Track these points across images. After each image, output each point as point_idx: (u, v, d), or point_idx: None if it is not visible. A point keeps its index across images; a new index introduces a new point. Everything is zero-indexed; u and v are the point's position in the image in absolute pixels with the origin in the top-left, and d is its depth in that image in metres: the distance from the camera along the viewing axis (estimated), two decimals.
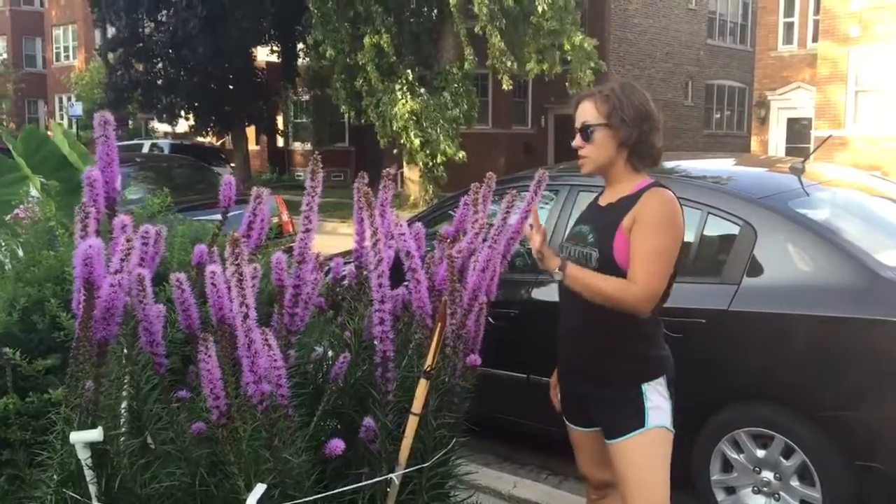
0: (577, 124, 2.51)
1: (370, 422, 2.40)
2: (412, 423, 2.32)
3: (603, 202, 2.57)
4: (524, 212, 2.70)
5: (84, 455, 1.94)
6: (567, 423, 2.75)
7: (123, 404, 2.17)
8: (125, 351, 2.12)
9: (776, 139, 22.89)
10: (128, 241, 1.88)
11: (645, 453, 2.46)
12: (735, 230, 3.70)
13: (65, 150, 3.67)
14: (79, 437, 1.92)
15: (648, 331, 2.52)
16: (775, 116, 22.94)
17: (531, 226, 2.51)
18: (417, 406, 2.32)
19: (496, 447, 4.72)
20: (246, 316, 1.91)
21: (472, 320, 2.52)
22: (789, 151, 21.84)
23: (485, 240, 2.62)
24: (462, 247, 2.66)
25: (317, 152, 2.47)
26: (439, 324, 2.35)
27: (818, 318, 3.40)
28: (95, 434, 1.91)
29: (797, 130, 22.34)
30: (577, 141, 2.51)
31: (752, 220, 3.65)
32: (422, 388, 2.33)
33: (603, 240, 2.45)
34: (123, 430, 2.07)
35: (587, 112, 2.48)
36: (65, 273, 2.71)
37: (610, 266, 2.41)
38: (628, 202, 2.45)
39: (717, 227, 3.81)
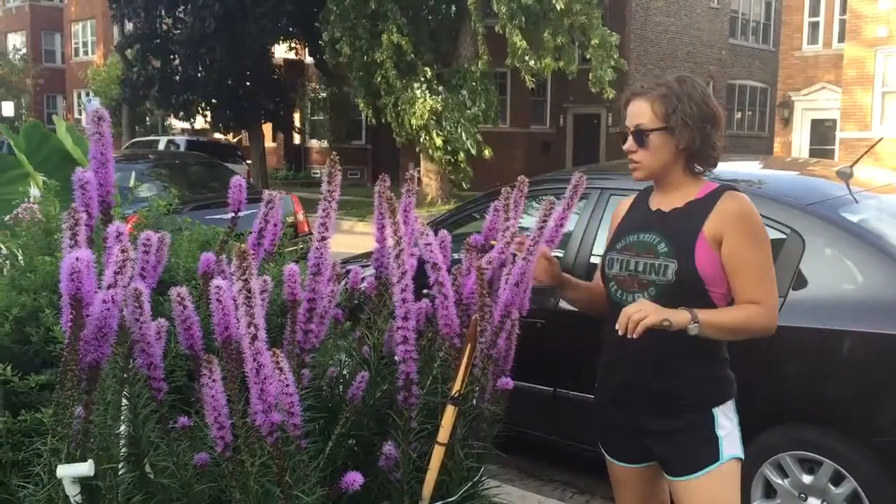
0: (630, 125, 2.23)
1: (391, 449, 2.19)
2: (437, 454, 2.10)
3: (665, 207, 2.26)
4: (559, 219, 2.47)
5: (72, 491, 1.73)
6: (611, 459, 2.41)
7: (122, 428, 1.97)
8: (122, 373, 1.91)
9: (800, 140, 22.48)
10: (123, 251, 1.67)
11: (721, 490, 2.19)
12: (781, 239, 3.45)
13: (68, 147, 3.47)
14: (66, 472, 1.71)
15: (723, 350, 2.27)
16: (799, 117, 22.52)
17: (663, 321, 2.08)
18: (444, 435, 2.09)
19: (518, 461, 4.49)
20: (254, 338, 1.69)
21: (504, 339, 2.30)
22: (813, 153, 21.45)
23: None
24: (492, 257, 2.44)
25: (335, 153, 2.25)
26: (469, 344, 2.12)
27: (874, 336, 3.15)
28: (85, 468, 1.70)
29: (821, 132, 21.92)
30: (629, 145, 2.22)
31: (799, 228, 3.40)
32: (449, 415, 2.10)
33: (681, 250, 2.16)
34: (119, 461, 1.86)
35: (642, 113, 2.19)
36: None
37: (691, 279, 2.14)
38: (700, 207, 2.18)
39: None
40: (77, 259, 1.55)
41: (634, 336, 2.00)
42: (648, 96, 2.19)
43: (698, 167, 2.25)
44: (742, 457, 2.26)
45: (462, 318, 2.34)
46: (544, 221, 2.24)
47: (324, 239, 2.10)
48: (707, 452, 2.19)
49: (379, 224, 2.43)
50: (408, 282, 2.10)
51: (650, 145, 2.19)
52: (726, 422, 2.23)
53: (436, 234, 2.32)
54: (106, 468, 1.78)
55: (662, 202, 2.28)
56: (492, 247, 2.56)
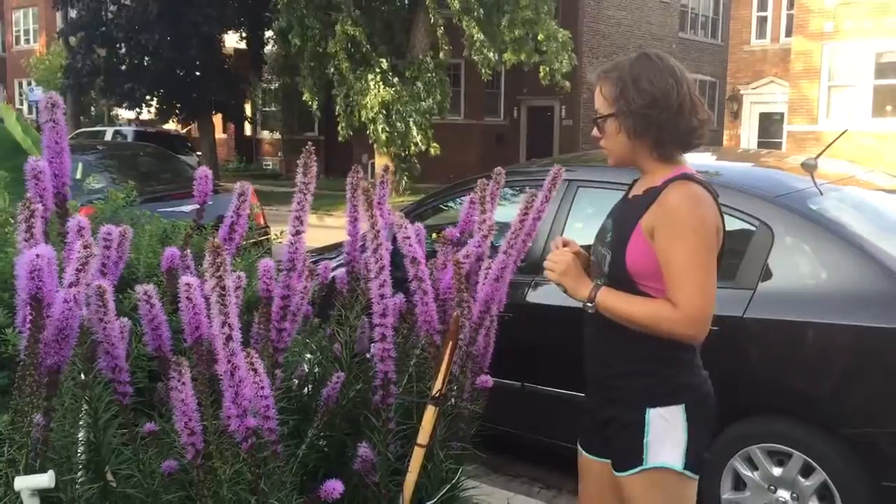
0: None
1: (367, 451, 2.10)
2: (417, 456, 2.02)
3: (631, 193, 2.15)
4: (537, 212, 2.41)
5: None
6: (579, 449, 2.30)
7: (81, 434, 1.85)
8: (81, 375, 1.79)
9: (748, 133, 22.86)
10: (85, 247, 1.55)
11: (646, 498, 2.02)
12: (750, 231, 3.44)
13: (17, 137, 3.30)
14: (25, 484, 1.59)
15: (679, 351, 2.04)
16: (748, 111, 22.90)
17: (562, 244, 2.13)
18: (424, 437, 2.01)
19: (486, 457, 4.43)
20: (229, 338, 1.59)
21: (483, 335, 2.23)
22: (761, 146, 21.82)
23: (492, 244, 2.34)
24: (469, 251, 2.36)
25: (310, 143, 2.14)
26: (450, 342, 2.04)
27: (841, 328, 3.15)
28: (45, 480, 1.58)
29: (769, 125, 22.32)
30: (594, 132, 2.10)
31: (768, 220, 3.39)
32: (429, 415, 2.02)
33: (618, 240, 2.03)
34: (80, 471, 1.74)
35: (597, 97, 2.06)
36: (14, 277, 2.37)
37: (619, 271, 2.00)
38: (652, 196, 2.01)
39: (730, 228, 3.53)
40: (38, 256, 1.44)
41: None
42: (601, 79, 2.05)
43: (664, 153, 2.03)
44: (685, 472, 2.02)
45: (438, 313, 2.26)
46: (525, 215, 2.16)
47: (298, 233, 2.00)
48: (631, 453, 2.03)
49: (351, 217, 2.34)
50: (385, 277, 2.01)
51: (605, 132, 2.05)
52: (663, 428, 2.01)
53: None
54: (67, 479, 1.66)
55: (634, 189, 2.16)
56: (466, 241, 2.48)
